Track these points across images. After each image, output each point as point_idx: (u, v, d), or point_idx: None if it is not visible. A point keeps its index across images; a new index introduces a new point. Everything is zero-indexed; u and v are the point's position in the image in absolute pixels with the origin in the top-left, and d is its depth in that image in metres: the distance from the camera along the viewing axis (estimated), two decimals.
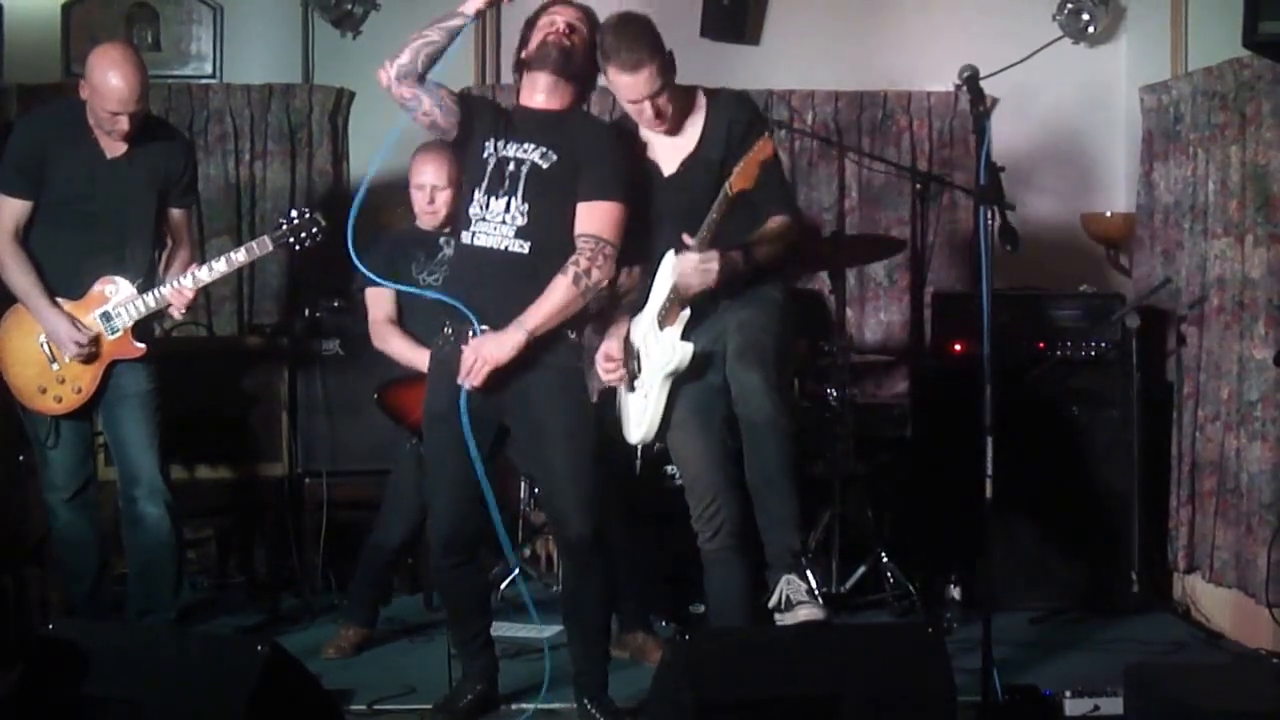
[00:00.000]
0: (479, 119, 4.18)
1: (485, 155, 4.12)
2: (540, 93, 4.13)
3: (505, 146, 4.11)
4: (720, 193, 3.99)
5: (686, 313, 4.16)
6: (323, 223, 4.68)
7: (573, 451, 4.06)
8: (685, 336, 4.14)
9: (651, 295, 4.24)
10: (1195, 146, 5.47)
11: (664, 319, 4.18)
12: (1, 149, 4.69)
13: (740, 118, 4.21)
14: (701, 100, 4.23)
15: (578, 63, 4.11)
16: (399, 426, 5.01)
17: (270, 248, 4.67)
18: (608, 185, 4.07)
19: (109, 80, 4.47)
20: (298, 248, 4.69)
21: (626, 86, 4.11)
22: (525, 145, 4.10)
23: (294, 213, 4.69)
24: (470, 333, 4.04)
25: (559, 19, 4.11)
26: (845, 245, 5.69)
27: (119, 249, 4.68)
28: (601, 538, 4.13)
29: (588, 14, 4.18)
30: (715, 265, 4.02)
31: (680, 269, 4.06)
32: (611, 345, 4.30)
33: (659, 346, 4.19)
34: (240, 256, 4.67)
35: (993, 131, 4.28)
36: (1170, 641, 5.15)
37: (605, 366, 4.31)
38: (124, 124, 4.55)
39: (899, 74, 6.37)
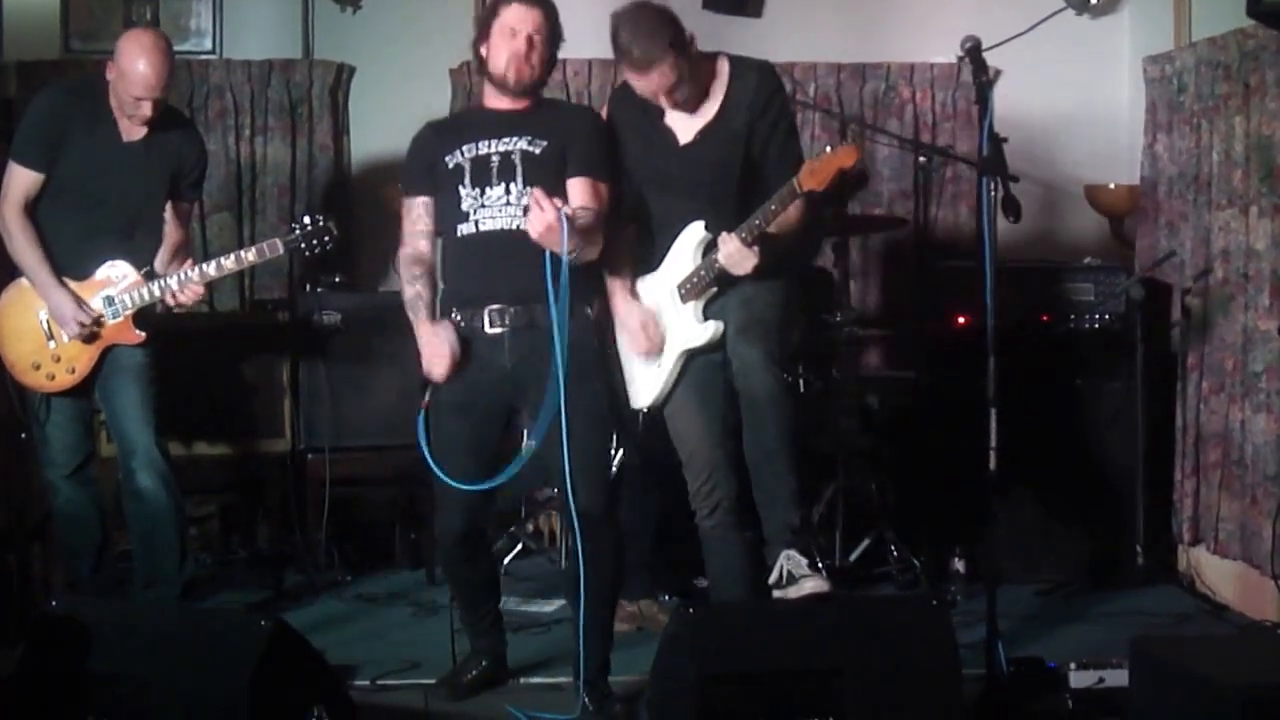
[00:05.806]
0: (432, 152, 4.14)
1: (454, 164, 4.09)
2: (507, 102, 4.11)
3: (479, 146, 4.07)
4: (786, 186, 3.97)
5: (714, 290, 4.15)
6: (335, 232, 4.66)
7: (585, 426, 3.98)
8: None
9: (668, 263, 4.23)
10: (1199, 117, 5.44)
11: (688, 293, 4.17)
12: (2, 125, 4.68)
13: (765, 86, 4.16)
14: (724, 68, 4.18)
15: (541, 77, 4.11)
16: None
17: (281, 251, 4.64)
18: (596, 165, 4.09)
19: (137, 66, 4.47)
20: (308, 254, 4.68)
21: (641, 86, 4.10)
22: (504, 139, 4.07)
23: (307, 219, 4.66)
24: (479, 323, 4.02)
25: (520, 32, 4.02)
26: (848, 218, 5.67)
27: (127, 233, 4.67)
28: (613, 514, 4.11)
29: (544, 10, 4.08)
30: (754, 262, 4.02)
31: (727, 253, 4.04)
32: (647, 317, 4.23)
33: (681, 320, 4.19)
34: (250, 256, 4.66)
35: (995, 103, 4.25)
36: (1175, 613, 5.15)
37: (646, 335, 4.21)
38: (147, 109, 4.55)
39: (901, 46, 6.34)
